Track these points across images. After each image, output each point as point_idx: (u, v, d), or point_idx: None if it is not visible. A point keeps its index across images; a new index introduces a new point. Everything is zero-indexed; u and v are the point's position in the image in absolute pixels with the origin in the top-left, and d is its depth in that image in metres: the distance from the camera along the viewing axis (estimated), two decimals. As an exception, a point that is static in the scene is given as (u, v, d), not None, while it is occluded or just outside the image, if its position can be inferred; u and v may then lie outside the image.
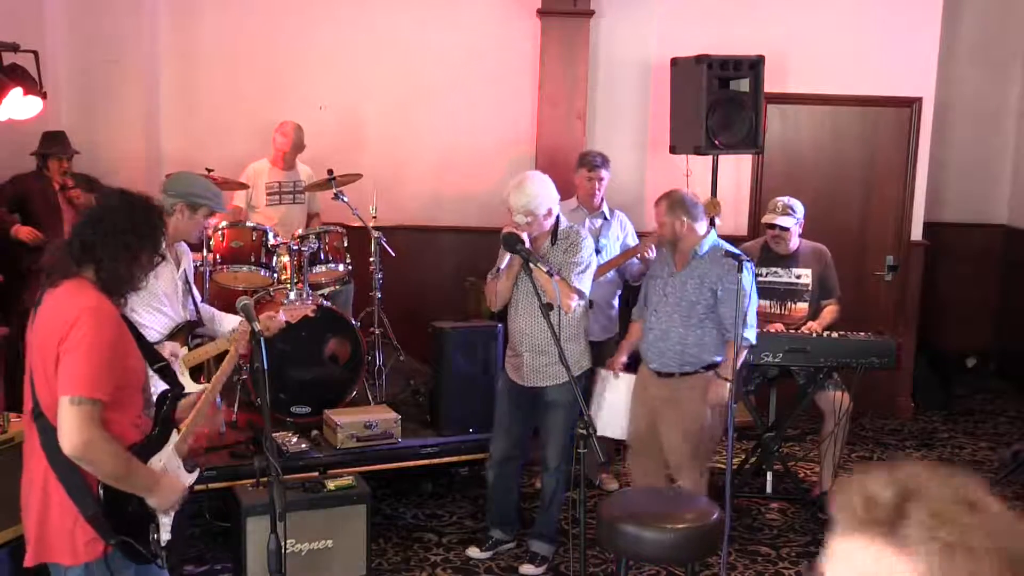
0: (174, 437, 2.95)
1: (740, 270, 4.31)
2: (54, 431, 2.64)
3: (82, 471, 2.66)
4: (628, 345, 4.89)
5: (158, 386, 3.01)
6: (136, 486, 2.75)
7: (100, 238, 2.74)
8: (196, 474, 3.03)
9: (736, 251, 4.51)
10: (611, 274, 5.43)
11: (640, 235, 5.70)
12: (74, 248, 2.76)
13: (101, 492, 2.68)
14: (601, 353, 5.52)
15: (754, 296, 4.60)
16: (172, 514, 2.91)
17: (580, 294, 4.39)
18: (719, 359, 4.57)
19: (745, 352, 4.58)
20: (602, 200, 5.56)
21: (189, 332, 4.07)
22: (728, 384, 4.45)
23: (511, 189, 4.38)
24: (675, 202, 4.61)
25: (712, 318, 4.55)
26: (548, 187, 4.41)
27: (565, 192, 5.82)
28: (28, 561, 2.79)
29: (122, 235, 2.74)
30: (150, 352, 2.98)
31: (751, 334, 4.59)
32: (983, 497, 1.15)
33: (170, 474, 2.88)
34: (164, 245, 2.89)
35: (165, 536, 2.88)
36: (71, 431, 2.59)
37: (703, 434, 4.64)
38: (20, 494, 2.85)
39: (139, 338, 2.92)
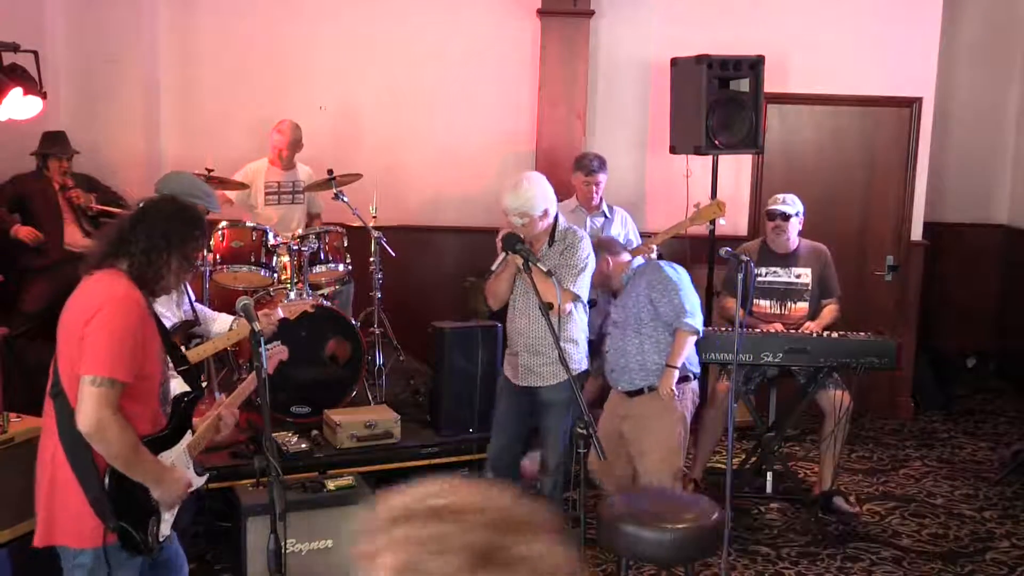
0: (187, 437, 2.99)
1: (740, 270, 4.31)
2: (69, 409, 2.72)
3: (92, 452, 2.72)
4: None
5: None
6: (142, 474, 2.79)
7: (136, 234, 2.86)
8: (205, 478, 3.07)
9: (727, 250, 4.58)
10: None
11: (641, 236, 5.71)
12: (112, 240, 2.90)
13: (107, 476, 2.73)
14: (602, 352, 5.54)
15: (688, 287, 4.67)
16: (174, 511, 2.94)
17: (575, 297, 4.39)
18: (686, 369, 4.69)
19: (693, 338, 4.64)
20: (601, 199, 5.57)
21: (185, 332, 4.07)
22: (675, 372, 4.58)
23: (506, 191, 4.36)
24: (596, 245, 4.64)
25: (659, 324, 4.62)
26: (544, 188, 4.37)
27: (565, 192, 5.83)
28: (37, 541, 2.85)
29: (157, 236, 2.86)
30: (176, 354, 3.06)
31: (696, 321, 4.62)
32: (451, 504, 1.10)
33: (177, 469, 2.92)
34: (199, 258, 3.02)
35: (164, 531, 2.91)
36: (87, 409, 2.67)
37: (680, 450, 4.70)
38: (35, 477, 2.92)
39: (168, 341, 2.99)
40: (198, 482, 3.01)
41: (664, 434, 4.61)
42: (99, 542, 2.74)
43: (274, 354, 3.46)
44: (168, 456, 2.90)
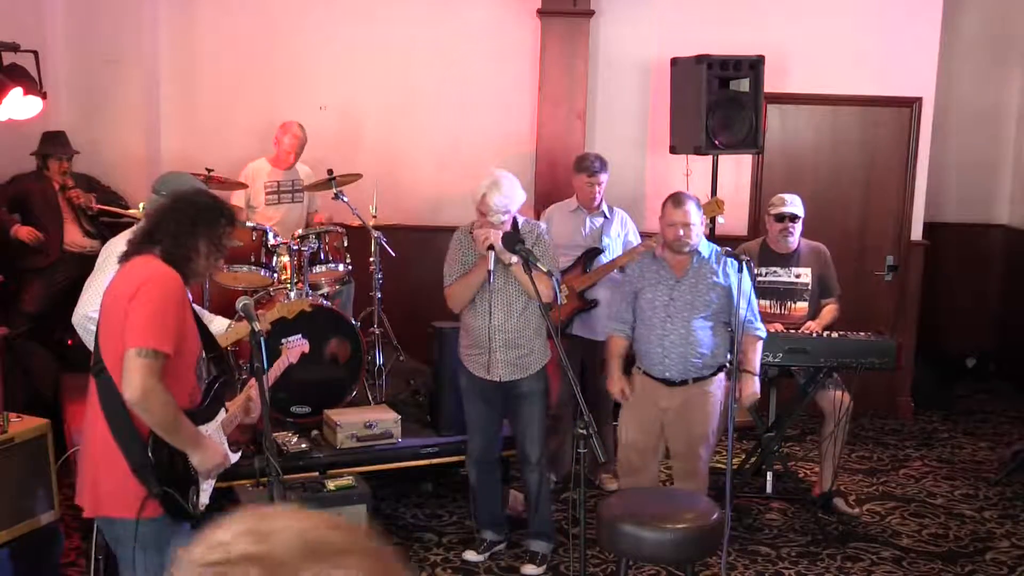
0: (222, 414, 3.16)
1: (740, 270, 4.32)
2: (112, 386, 2.87)
3: (135, 422, 2.86)
4: (618, 361, 4.68)
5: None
6: (183, 441, 2.95)
7: (166, 221, 3.03)
8: (239, 454, 3.23)
9: (727, 250, 4.54)
10: (616, 272, 5.43)
11: (642, 235, 5.69)
12: (145, 229, 3.07)
13: (150, 443, 2.88)
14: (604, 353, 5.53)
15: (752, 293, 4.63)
16: (211, 482, 3.12)
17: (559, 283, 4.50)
18: (725, 359, 4.58)
19: (761, 344, 4.62)
20: (601, 200, 5.56)
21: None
22: (758, 379, 4.49)
23: (488, 189, 4.37)
24: (696, 204, 4.48)
25: (719, 317, 4.52)
26: (518, 185, 4.48)
27: (564, 192, 5.83)
28: (86, 513, 3.04)
29: (186, 222, 3.02)
30: (209, 341, 3.19)
31: (761, 328, 4.63)
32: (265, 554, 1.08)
33: (215, 440, 3.09)
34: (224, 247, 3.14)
35: (204, 500, 3.09)
36: (133, 379, 2.80)
37: (712, 439, 4.63)
38: (80, 453, 3.17)
39: (199, 323, 3.12)
40: (233, 457, 3.16)
41: (705, 419, 4.52)
42: (142, 512, 2.89)
43: (295, 347, 3.62)
44: (205, 430, 3.06)
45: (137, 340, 2.82)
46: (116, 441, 2.89)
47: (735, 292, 4.43)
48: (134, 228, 3.63)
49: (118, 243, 3.78)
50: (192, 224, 3.03)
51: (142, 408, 2.83)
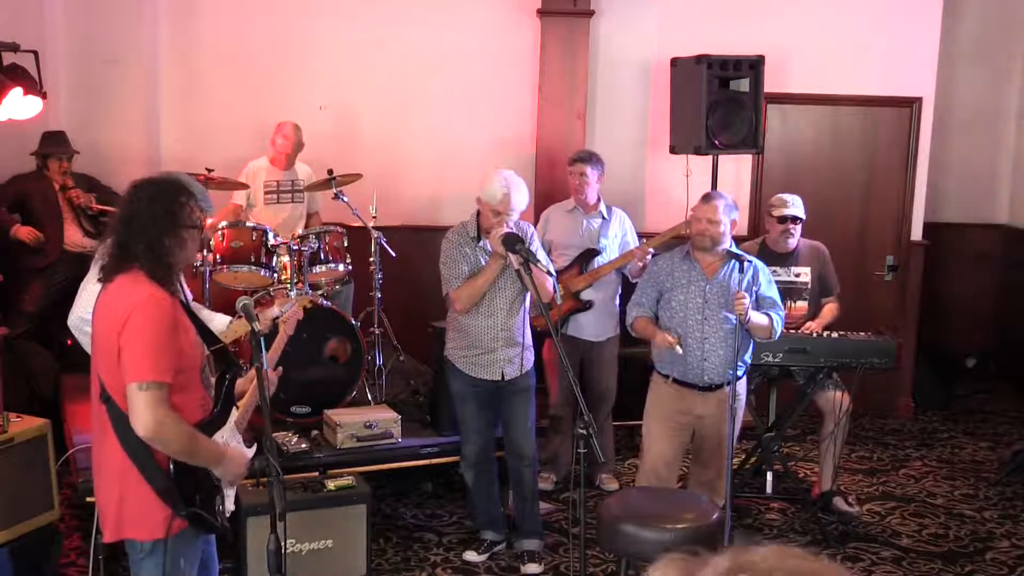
0: (234, 414, 3.10)
1: (741, 271, 4.32)
2: (123, 415, 2.80)
3: (152, 449, 2.81)
4: (654, 327, 4.50)
5: None
6: (204, 460, 2.90)
7: (134, 238, 2.87)
8: (254, 449, 3.17)
9: (739, 252, 4.51)
10: (612, 274, 5.43)
11: (640, 235, 5.69)
12: (116, 251, 2.90)
13: (172, 467, 2.84)
14: (601, 353, 5.53)
15: None
16: (235, 486, 3.10)
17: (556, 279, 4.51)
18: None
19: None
20: (599, 199, 5.53)
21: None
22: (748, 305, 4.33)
23: (510, 189, 4.36)
24: (730, 203, 4.45)
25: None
26: None
27: (565, 192, 5.83)
28: (107, 538, 2.96)
29: (150, 227, 2.86)
30: (208, 336, 3.11)
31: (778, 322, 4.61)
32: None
33: (233, 447, 3.04)
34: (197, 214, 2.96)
35: (229, 506, 3.06)
36: (142, 415, 2.74)
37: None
38: (92, 473, 3.05)
39: (197, 323, 3.04)
40: (249, 454, 3.13)
41: (724, 420, 4.41)
42: (168, 531, 2.85)
43: (291, 317, 3.52)
44: (221, 435, 3.00)
45: (137, 375, 2.75)
46: (137, 468, 2.84)
47: (772, 287, 4.48)
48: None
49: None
50: (158, 225, 2.85)
51: (158, 442, 2.78)
